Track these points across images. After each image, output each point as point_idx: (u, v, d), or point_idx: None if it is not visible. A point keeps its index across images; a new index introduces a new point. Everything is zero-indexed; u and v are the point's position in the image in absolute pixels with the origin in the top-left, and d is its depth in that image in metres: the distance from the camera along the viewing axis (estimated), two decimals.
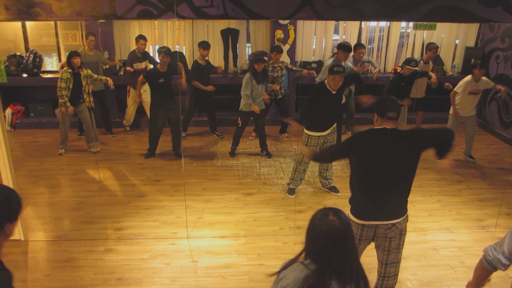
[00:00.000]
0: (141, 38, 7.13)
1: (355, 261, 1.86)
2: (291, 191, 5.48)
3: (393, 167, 2.97)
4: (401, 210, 3.10)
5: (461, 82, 6.19)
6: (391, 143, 2.98)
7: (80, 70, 6.31)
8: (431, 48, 7.01)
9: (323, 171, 5.54)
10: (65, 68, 6.28)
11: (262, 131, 6.69)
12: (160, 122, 6.45)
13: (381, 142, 3.00)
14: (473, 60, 7.52)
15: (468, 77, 6.17)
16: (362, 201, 3.10)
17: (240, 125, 6.58)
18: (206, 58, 7.10)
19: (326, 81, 5.00)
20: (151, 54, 7.77)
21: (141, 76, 6.33)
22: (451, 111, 6.38)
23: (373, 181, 3.03)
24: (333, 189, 5.52)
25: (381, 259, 3.25)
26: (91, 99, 6.70)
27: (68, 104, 6.27)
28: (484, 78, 6.18)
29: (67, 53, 6.38)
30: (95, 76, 6.58)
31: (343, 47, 6.05)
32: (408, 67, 6.27)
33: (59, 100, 6.33)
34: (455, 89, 6.21)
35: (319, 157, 3.88)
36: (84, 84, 6.42)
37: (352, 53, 6.81)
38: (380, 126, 3.03)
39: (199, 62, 7.01)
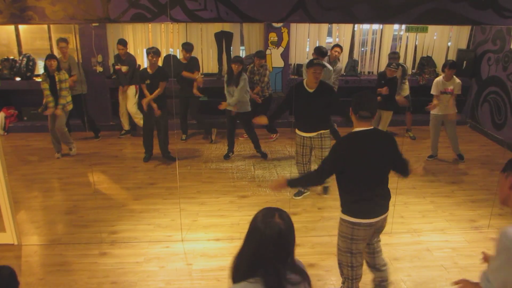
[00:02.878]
0: (118, 43, 7.00)
1: (292, 259, 1.82)
2: (300, 193, 5.49)
3: (376, 165, 3.05)
4: (386, 207, 3.21)
5: (433, 83, 6.32)
6: (370, 144, 3.04)
7: (56, 73, 6.29)
8: (392, 57, 7.08)
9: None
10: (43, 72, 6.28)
11: (249, 132, 6.73)
12: (151, 125, 6.40)
13: (360, 145, 3.04)
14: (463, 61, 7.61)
15: (439, 77, 6.30)
16: (357, 201, 3.11)
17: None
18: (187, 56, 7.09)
19: (305, 80, 5.04)
20: (144, 58, 7.76)
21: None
22: (432, 111, 6.44)
23: (362, 182, 3.08)
24: (325, 190, 5.58)
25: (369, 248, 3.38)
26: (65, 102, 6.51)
27: (51, 105, 6.32)
28: (457, 80, 6.24)
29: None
30: (66, 76, 6.46)
31: (320, 52, 6.15)
32: (389, 68, 6.50)
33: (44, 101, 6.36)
34: (431, 91, 6.34)
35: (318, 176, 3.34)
36: (58, 89, 6.33)
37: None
38: (358, 127, 3.04)
39: (180, 60, 6.98)
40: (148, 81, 6.11)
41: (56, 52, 7.81)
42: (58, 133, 6.54)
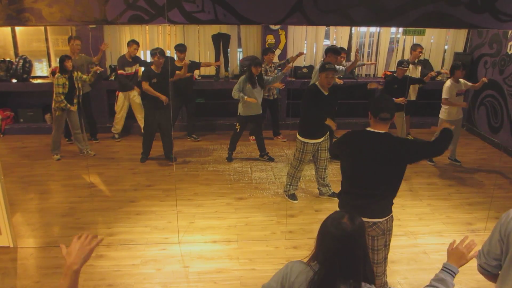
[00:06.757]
0: (134, 43, 7.11)
1: (366, 265, 1.83)
2: (294, 196, 5.44)
3: (375, 170, 3.02)
4: (383, 211, 3.14)
5: (445, 88, 6.25)
6: (378, 147, 3.02)
7: (72, 73, 6.31)
8: (415, 48, 7.19)
9: (320, 179, 5.46)
10: (57, 74, 6.23)
11: (259, 134, 6.64)
12: (152, 125, 6.43)
13: (368, 145, 3.05)
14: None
15: (448, 81, 6.26)
16: (345, 196, 3.18)
17: (238, 130, 6.51)
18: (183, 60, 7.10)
19: (317, 82, 4.99)
20: (142, 59, 7.75)
21: (143, 82, 6.23)
22: (442, 116, 6.37)
23: (355, 179, 3.11)
24: (334, 195, 5.43)
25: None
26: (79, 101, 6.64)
27: (69, 105, 6.33)
28: (462, 80, 6.28)
29: (58, 58, 6.34)
30: (85, 76, 6.55)
31: (333, 51, 6.08)
32: (401, 68, 6.47)
33: (56, 105, 6.29)
34: (443, 96, 6.23)
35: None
36: (76, 87, 6.39)
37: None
38: (374, 128, 3.06)
39: (175, 64, 6.99)
40: (155, 80, 6.16)
41: (52, 53, 7.83)
42: (77, 134, 6.63)
